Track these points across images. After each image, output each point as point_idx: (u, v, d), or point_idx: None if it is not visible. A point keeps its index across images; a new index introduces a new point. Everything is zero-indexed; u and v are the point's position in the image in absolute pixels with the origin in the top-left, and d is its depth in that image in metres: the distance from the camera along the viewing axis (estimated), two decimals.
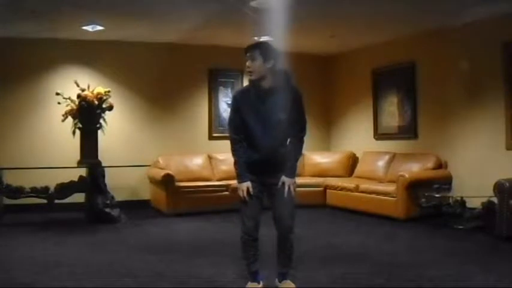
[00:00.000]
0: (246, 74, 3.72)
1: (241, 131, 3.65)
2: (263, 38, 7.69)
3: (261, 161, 3.63)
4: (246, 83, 8.73)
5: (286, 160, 3.67)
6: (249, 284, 3.80)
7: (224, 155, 8.33)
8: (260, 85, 3.58)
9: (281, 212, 3.68)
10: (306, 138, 3.76)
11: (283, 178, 3.66)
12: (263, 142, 3.60)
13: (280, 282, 3.81)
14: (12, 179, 6.84)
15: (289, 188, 3.65)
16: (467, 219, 6.20)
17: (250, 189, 3.64)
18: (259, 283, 3.81)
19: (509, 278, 4.16)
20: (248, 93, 3.66)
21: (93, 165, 6.85)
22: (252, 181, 3.66)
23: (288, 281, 3.79)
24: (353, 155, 8.85)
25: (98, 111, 6.77)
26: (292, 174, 3.70)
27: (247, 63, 3.59)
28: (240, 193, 3.66)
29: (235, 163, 3.73)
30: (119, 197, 7.23)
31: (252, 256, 3.75)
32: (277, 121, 3.58)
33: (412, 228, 6.35)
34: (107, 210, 6.84)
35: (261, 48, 3.60)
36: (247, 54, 3.59)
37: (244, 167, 3.66)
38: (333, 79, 9.75)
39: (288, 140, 3.72)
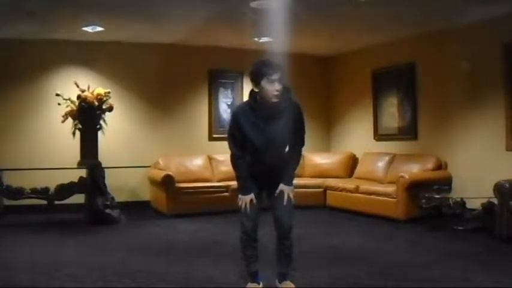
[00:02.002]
0: (273, 97, 3.49)
1: (243, 147, 3.66)
2: (263, 39, 7.72)
3: (264, 175, 3.71)
4: (245, 83, 8.81)
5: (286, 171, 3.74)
6: (249, 285, 3.80)
7: (224, 155, 8.28)
8: (269, 105, 3.55)
9: (280, 213, 3.72)
10: (305, 139, 3.80)
11: (282, 186, 3.71)
12: (267, 158, 3.65)
13: (280, 282, 3.82)
14: (12, 180, 6.84)
15: (288, 195, 3.70)
16: (467, 220, 6.19)
17: (254, 201, 3.69)
18: (259, 284, 3.82)
19: (509, 279, 4.16)
20: (249, 110, 3.62)
21: (93, 166, 6.85)
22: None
23: (288, 282, 3.80)
24: (353, 155, 8.84)
25: (98, 112, 6.76)
26: (290, 182, 3.76)
27: (277, 87, 3.47)
28: (242, 205, 3.69)
29: (238, 177, 3.76)
30: (119, 198, 7.23)
31: (252, 257, 3.76)
32: (282, 139, 3.64)
33: (412, 229, 6.35)
34: (107, 211, 6.84)
35: (284, 71, 3.56)
36: (277, 77, 3.48)
37: (249, 180, 3.70)
38: (333, 80, 9.75)
39: (287, 149, 3.76)
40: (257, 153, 3.65)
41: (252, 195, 3.69)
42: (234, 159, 3.72)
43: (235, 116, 3.69)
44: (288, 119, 3.60)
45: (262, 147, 3.61)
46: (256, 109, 3.60)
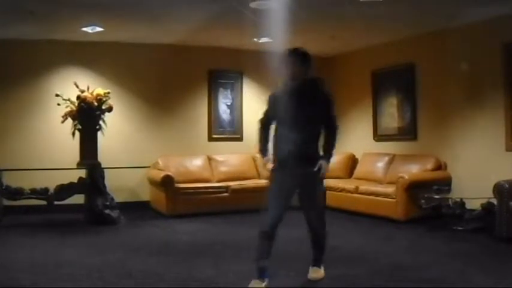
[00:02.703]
0: (289, 78, 4.02)
1: (270, 127, 4.13)
2: (263, 40, 7.72)
3: (296, 154, 3.89)
4: (245, 84, 8.83)
5: (317, 154, 4.00)
6: (253, 282, 3.80)
7: (224, 156, 8.34)
8: (292, 85, 4.00)
9: (312, 215, 4.05)
10: None
11: (321, 162, 3.96)
12: (294, 135, 3.90)
13: (312, 267, 4.15)
14: (12, 180, 6.83)
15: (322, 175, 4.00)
16: (466, 220, 6.20)
17: (268, 166, 4.00)
18: (263, 281, 3.81)
19: (508, 279, 4.16)
20: (282, 90, 4.08)
21: (92, 166, 6.85)
22: (284, 175, 3.91)
23: (317, 268, 4.13)
24: (353, 156, 8.84)
25: (98, 112, 6.76)
26: (329, 160, 4.05)
27: (289, 70, 4.00)
28: (263, 171, 4.18)
29: (259, 146, 4.16)
30: (118, 198, 7.22)
31: (263, 252, 3.83)
32: (309, 116, 3.92)
33: (411, 229, 6.35)
34: (107, 211, 6.83)
35: (306, 59, 4.07)
36: (290, 61, 3.99)
37: (266, 145, 4.12)
38: (332, 80, 9.69)
39: (323, 133, 4.10)
40: (286, 129, 3.95)
41: (267, 157, 4.06)
42: (260, 134, 4.16)
43: (271, 94, 4.17)
44: (316, 102, 3.97)
45: (290, 121, 3.91)
46: (286, 88, 4.02)
